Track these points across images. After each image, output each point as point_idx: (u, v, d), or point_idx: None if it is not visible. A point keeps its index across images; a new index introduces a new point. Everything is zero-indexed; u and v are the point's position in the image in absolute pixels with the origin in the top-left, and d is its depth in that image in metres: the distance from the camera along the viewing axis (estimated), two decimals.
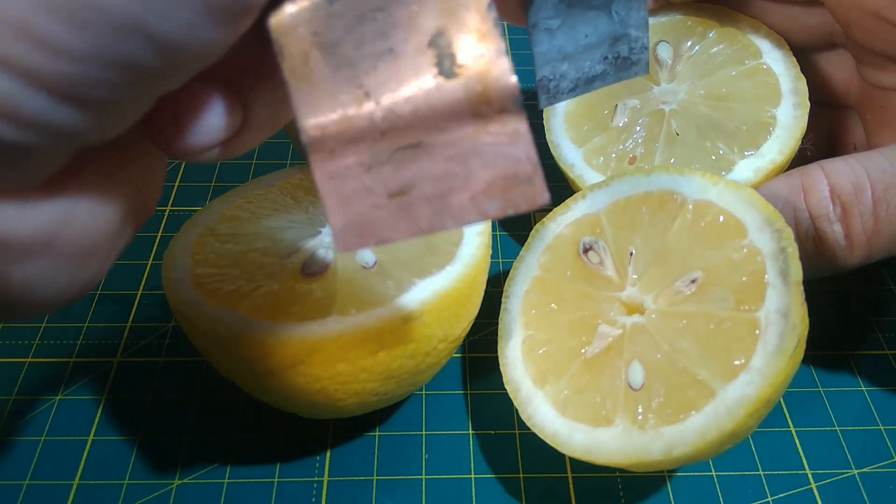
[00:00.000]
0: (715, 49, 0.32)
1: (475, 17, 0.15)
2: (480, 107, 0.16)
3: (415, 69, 0.16)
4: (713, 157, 0.29)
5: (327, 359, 0.22)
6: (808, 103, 0.30)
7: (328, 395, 0.23)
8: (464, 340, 0.26)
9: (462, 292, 0.24)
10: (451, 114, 0.16)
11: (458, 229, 0.26)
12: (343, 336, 0.22)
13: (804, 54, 0.32)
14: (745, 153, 0.29)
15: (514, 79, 0.15)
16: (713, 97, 0.31)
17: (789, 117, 0.29)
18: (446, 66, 0.15)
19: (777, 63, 0.31)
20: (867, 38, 0.29)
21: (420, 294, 0.23)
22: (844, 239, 0.26)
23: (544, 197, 0.16)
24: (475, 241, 0.25)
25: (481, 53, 0.15)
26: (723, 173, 0.29)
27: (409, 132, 0.16)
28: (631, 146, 0.31)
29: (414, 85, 0.16)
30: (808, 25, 0.32)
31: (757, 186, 0.28)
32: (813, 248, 0.27)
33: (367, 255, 0.25)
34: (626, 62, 0.23)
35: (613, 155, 0.31)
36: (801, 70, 0.31)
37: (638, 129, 0.31)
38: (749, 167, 0.29)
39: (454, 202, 0.16)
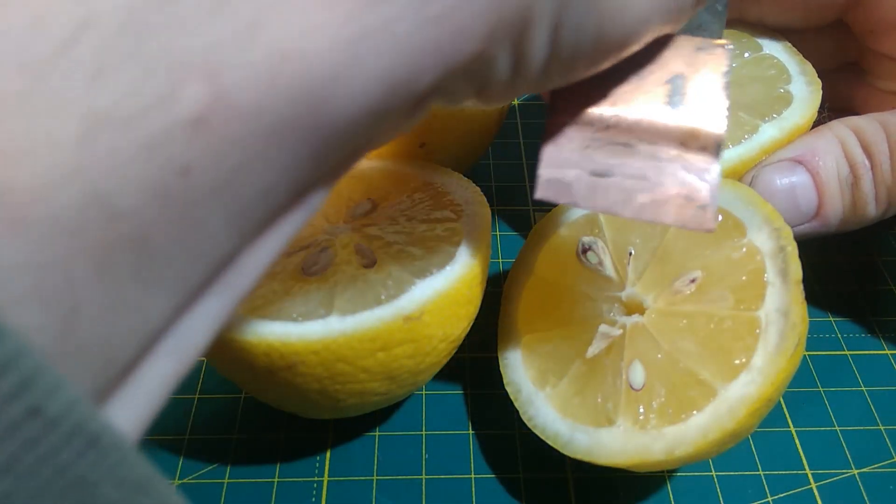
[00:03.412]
0: None
1: (711, 75, 0.19)
2: (688, 139, 0.19)
3: (651, 93, 0.19)
4: (736, 125, 0.30)
5: (327, 359, 0.22)
6: (819, 81, 0.30)
7: (328, 395, 0.23)
8: (464, 340, 0.26)
9: (462, 292, 0.24)
10: (663, 134, 0.19)
11: (458, 230, 0.26)
12: (343, 336, 0.22)
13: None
14: (767, 118, 0.30)
15: (722, 131, 0.19)
16: None
17: (804, 91, 0.30)
18: (675, 100, 0.19)
19: (779, 52, 0.32)
20: (891, 44, 0.30)
21: (420, 294, 0.23)
22: (874, 186, 0.28)
23: (712, 226, 0.18)
24: (475, 241, 0.25)
25: (706, 102, 0.19)
26: (747, 136, 0.29)
27: (627, 134, 0.19)
28: None
29: (646, 104, 0.19)
30: (819, 49, 0.33)
31: (786, 143, 0.29)
32: (850, 197, 0.28)
33: (368, 257, 0.25)
34: None
35: None
36: None
37: None
38: (774, 127, 0.29)
39: (638, 199, 0.19)
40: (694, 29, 0.30)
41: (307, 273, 0.24)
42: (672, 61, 0.20)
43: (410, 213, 0.27)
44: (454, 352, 0.26)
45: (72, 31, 0.09)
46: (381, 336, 0.22)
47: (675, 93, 0.19)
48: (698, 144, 0.19)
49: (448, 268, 0.24)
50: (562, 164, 0.19)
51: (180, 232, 0.11)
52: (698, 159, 0.19)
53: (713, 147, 0.19)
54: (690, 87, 0.19)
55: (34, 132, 0.09)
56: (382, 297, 0.23)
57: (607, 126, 0.19)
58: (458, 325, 0.24)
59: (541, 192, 0.19)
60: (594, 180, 0.19)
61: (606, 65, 0.18)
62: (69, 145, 0.09)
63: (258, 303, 0.23)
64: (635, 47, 0.18)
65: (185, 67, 0.10)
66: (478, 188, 0.28)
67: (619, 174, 0.19)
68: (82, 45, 0.09)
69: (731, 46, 0.20)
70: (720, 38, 0.30)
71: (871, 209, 0.28)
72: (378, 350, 0.23)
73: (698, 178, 0.19)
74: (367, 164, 0.29)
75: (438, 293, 0.23)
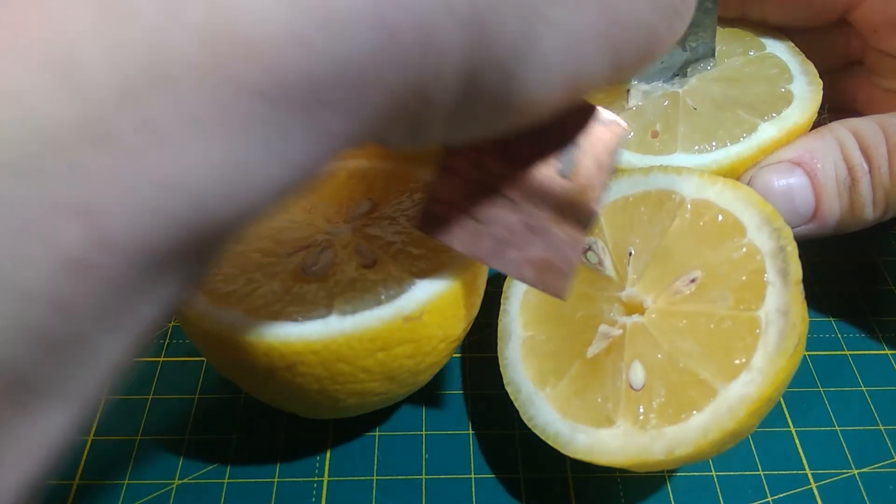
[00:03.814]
0: (721, 47, 0.32)
1: (603, 151, 0.20)
2: (566, 208, 0.20)
3: (546, 157, 0.20)
4: (735, 123, 0.30)
5: (327, 359, 0.22)
6: (820, 81, 0.31)
7: (328, 395, 0.23)
8: (464, 340, 0.26)
9: (462, 292, 0.24)
10: (546, 199, 0.20)
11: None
12: (343, 336, 0.22)
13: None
14: (767, 117, 0.30)
15: (598, 209, 0.20)
16: (725, 79, 0.32)
17: (805, 91, 0.30)
18: (566, 168, 0.20)
19: (782, 52, 0.32)
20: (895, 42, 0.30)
21: (420, 294, 0.23)
22: (872, 189, 0.28)
23: (565, 294, 0.20)
24: None
25: (592, 177, 0.20)
26: (745, 135, 0.29)
27: (514, 189, 0.20)
28: (651, 121, 0.31)
29: (538, 166, 0.20)
30: (823, 49, 0.33)
31: (785, 143, 0.29)
32: (848, 199, 0.28)
33: (368, 256, 0.25)
34: (692, 71, 0.32)
35: (632, 133, 0.31)
36: None
37: (654, 108, 0.31)
38: (773, 126, 0.29)
39: (507, 253, 0.20)
40: (689, 26, 0.30)
41: (307, 273, 0.24)
42: (572, 129, 0.20)
43: (410, 212, 0.27)
44: (454, 352, 0.26)
45: None
46: (381, 336, 0.22)
47: (566, 162, 0.20)
48: (573, 217, 0.20)
49: (447, 268, 0.24)
50: (447, 203, 0.20)
51: (63, 363, 0.10)
52: (569, 231, 0.20)
53: (585, 222, 0.20)
54: (581, 160, 0.20)
55: None
56: (382, 298, 0.23)
57: (498, 176, 0.20)
58: (458, 325, 0.24)
59: (422, 226, 0.21)
60: (474, 225, 0.20)
61: (506, 130, 0.17)
62: None
63: (259, 303, 0.23)
64: (536, 119, 0.17)
65: (60, 210, 0.10)
66: None
67: (497, 225, 0.20)
68: None
69: (628, 127, 0.20)
70: (713, 32, 0.31)
71: (869, 212, 0.28)
72: (378, 350, 0.23)
73: (564, 248, 0.20)
74: (367, 164, 0.29)
75: (438, 293, 0.23)
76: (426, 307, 0.23)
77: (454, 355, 0.27)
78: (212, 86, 0.10)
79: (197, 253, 0.12)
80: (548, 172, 0.20)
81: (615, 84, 0.19)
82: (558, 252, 0.20)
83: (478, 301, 0.25)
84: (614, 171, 0.20)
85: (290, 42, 0.10)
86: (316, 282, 0.24)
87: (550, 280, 0.20)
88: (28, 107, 0.09)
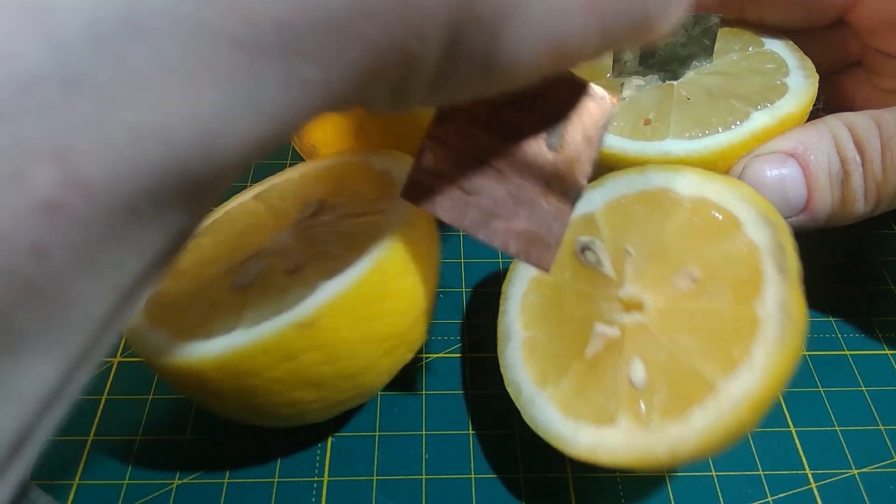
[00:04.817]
0: (719, 45, 0.32)
1: (592, 125, 0.20)
2: (553, 181, 0.20)
3: (535, 129, 0.20)
4: (728, 111, 0.30)
5: (232, 375, 0.21)
6: (817, 75, 0.31)
7: (254, 408, 0.23)
8: (463, 340, 0.26)
9: (370, 290, 0.22)
10: (533, 170, 0.20)
11: (381, 223, 0.24)
12: (242, 350, 0.21)
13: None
14: (760, 106, 0.30)
15: (585, 182, 0.20)
16: (721, 72, 0.32)
17: (801, 84, 0.30)
18: (554, 140, 0.20)
19: (780, 49, 0.32)
20: (893, 43, 0.30)
21: (316, 298, 0.21)
22: (864, 183, 0.28)
23: (549, 266, 0.20)
24: (401, 231, 0.23)
25: (579, 150, 0.20)
26: (737, 122, 0.29)
27: (501, 160, 0.20)
28: (645, 110, 0.31)
29: (527, 138, 0.20)
30: (821, 50, 0.33)
31: (778, 133, 0.29)
32: (840, 192, 0.28)
33: (293, 257, 0.24)
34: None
35: (623, 122, 0.31)
36: None
37: (648, 99, 0.32)
38: (765, 115, 0.29)
39: (493, 224, 0.20)
40: (688, 53, 0.31)
41: (234, 289, 0.24)
42: (562, 103, 0.20)
43: (357, 208, 0.25)
44: (407, 352, 0.25)
45: None
46: (279, 347, 0.21)
47: (555, 135, 0.20)
48: (560, 188, 0.20)
49: (353, 266, 0.22)
50: (435, 172, 0.20)
51: (44, 309, 0.11)
52: (556, 203, 0.20)
53: (572, 194, 0.20)
54: (570, 133, 0.20)
55: None
56: (284, 306, 0.22)
57: (487, 147, 0.20)
58: (384, 322, 0.23)
59: (405, 193, 0.20)
60: (460, 195, 0.20)
61: (491, 94, 0.17)
62: None
63: (189, 322, 0.23)
64: (521, 84, 0.17)
65: (34, 153, 0.10)
66: None
67: (483, 195, 0.20)
68: None
69: (616, 101, 0.21)
70: (711, 53, 0.31)
71: (860, 205, 0.28)
72: (282, 360, 0.21)
73: (550, 221, 0.20)
74: (328, 161, 0.28)
75: (338, 295, 0.21)
76: (322, 311, 0.21)
77: (454, 356, 0.27)
78: (186, 33, 0.10)
79: (176, 205, 0.12)
80: (536, 145, 0.20)
81: (602, 57, 0.20)
82: (544, 224, 0.20)
83: (413, 294, 0.23)
84: (602, 145, 0.20)
85: None
86: (240, 295, 0.23)
87: (535, 252, 0.20)
88: (5, 53, 0.09)
